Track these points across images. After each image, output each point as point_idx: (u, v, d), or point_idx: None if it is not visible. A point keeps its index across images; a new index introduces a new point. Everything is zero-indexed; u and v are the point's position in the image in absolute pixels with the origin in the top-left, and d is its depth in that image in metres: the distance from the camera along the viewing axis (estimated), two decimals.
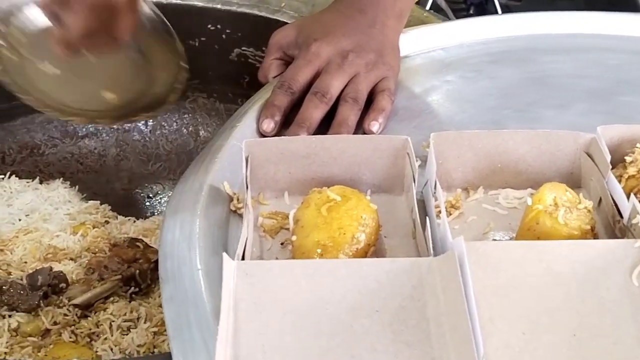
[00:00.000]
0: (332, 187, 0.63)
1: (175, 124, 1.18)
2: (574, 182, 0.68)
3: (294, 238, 0.60)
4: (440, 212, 0.62)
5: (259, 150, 0.67)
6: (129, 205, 1.11)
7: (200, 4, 1.09)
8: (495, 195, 0.68)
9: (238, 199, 0.68)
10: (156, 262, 0.81)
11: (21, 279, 0.83)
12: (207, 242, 0.63)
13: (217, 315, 0.53)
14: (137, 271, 0.86)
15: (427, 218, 0.63)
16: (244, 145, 0.66)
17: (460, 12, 2.53)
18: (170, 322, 0.56)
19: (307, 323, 0.52)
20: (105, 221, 0.99)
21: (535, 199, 0.61)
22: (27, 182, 1.05)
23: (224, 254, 0.52)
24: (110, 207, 1.04)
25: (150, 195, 1.15)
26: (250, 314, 0.52)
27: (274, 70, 0.85)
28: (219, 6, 1.09)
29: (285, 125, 0.77)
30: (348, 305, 0.52)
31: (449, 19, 1.35)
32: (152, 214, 1.11)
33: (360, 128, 0.77)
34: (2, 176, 1.05)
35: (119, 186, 1.15)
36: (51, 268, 0.85)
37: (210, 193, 0.67)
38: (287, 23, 1.02)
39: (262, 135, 0.76)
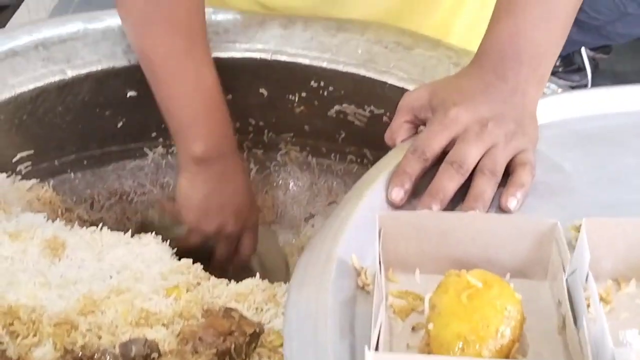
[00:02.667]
0: (471, 270, 0.58)
1: (265, 175, 1.17)
2: None
3: (430, 326, 0.55)
4: (589, 304, 0.56)
5: (392, 225, 0.63)
6: None
7: (306, 61, 1.07)
8: None
9: (366, 274, 0.63)
10: (252, 335, 0.80)
11: (113, 347, 0.79)
12: (334, 320, 0.59)
13: None
14: (233, 345, 0.81)
15: (575, 313, 0.57)
16: (377, 219, 0.62)
17: None
18: None
19: None
20: (197, 282, 0.93)
21: None
22: (120, 235, 1.00)
23: (366, 349, 0.48)
24: (202, 267, 0.99)
25: None
26: None
27: (404, 133, 0.81)
28: (324, 64, 1.06)
29: (413, 194, 0.72)
30: None
31: None
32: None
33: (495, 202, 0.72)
34: (94, 228, 1.01)
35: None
36: (146, 339, 0.81)
37: (337, 266, 0.63)
38: (393, 85, 1.02)
39: (391, 203, 0.71)
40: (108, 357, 0.79)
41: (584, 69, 2.85)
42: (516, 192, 0.72)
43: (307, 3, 1.12)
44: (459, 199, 0.72)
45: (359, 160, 1.15)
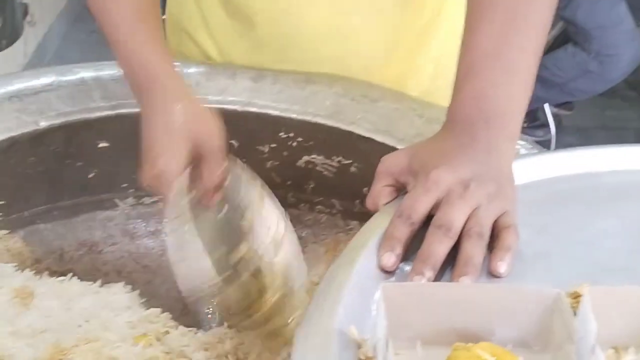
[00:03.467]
0: (479, 343, 0.59)
1: None
2: None
3: None
4: None
5: (394, 296, 0.63)
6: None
7: (276, 112, 1.09)
8: None
9: (367, 346, 0.63)
10: None
11: None
12: None
13: None
14: None
15: None
16: (381, 290, 0.61)
17: None
18: None
19: None
20: (166, 331, 0.94)
21: None
22: (89, 284, 1.00)
23: None
24: (171, 316, 0.98)
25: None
26: None
27: (385, 197, 0.81)
28: (293, 116, 1.08)
29: (403, 258, 0.72)
30: None
31: None
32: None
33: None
34: (63, 277, 1.00)
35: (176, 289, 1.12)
36: None
37: (337, 339, 0.63)
38: (361, 135, 1.05)
39: (383, 269, 0.71)
40: None
41: (548, 124, 2.93)
42: (505, 256, 0.73)
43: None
44: (446, 264, 0.72)
45: (327, 210, 1.16)
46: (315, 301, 0.68)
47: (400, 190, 0.81)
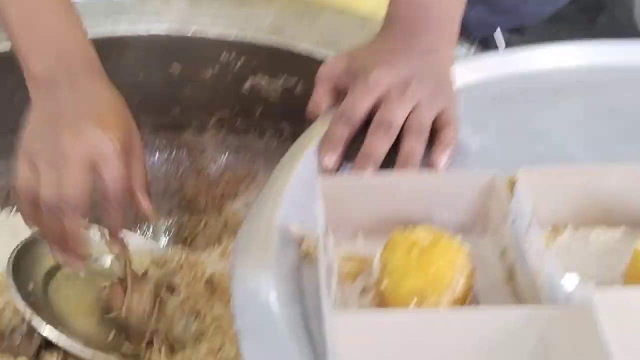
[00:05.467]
0: (417, 227, 0.58)
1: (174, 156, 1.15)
2: None
3: (384, 284, 0.55)
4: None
5: (332, 189, 0.62)
6: None
7: (215, 35, 1.06)
8: (586, 233, 0.63)
9: (309, 241, 0.62)
10: None
11: None
12: (283, 289, 0.58)
13: None
14: None
15: (521, 260, 0.58)
16: (319, 183, 0.61)
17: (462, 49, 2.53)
18: None
19: None
20: None
21: None
22: None
23: (323, 303, 0.47)
24: None
25: None
26: None
27: (326, 102, 0.80)
28: (234, 37, 1.06)
29: (345, 158, 0.73)
30: None
31: None
32: None
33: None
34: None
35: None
36: None
37: (279, 236, 0.62)
38: (305, 50, 1.03)
39: (325, 169, 0.71)
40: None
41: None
42: (445, 150, 0.73)
43: None
44: (388, 162, 0.72)
45: (277, 135, 1.14)
46: (258, 201, 0.67)
47: (341, 94, 0.80)
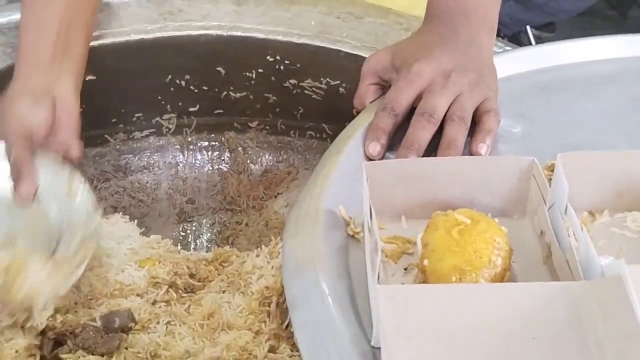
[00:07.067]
0: (457, 210, 0.61)
1: (216, 155, 1.17)
2: None
3: (425, 262, 0.58)
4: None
5: (377, 174, 0.65)
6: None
7: (261, 35, 1.08)
8: (622, 218, 0.66)
9: (355, 223, 0.66)
10: None
11: (94, 320, 0.81)
12: (330, 266, 0.61)
13: (352, 340, 0.53)
14: None
15: (559, 241, 0.60)
16: (364, 168, 0.64)
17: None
18: (305, 348, 0.54)
19: (459, 350, 0.49)
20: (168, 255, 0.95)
21: None
22: None
23: (370, 279, 0.50)
24: (171, 241, 1.00)
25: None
26: (400, 340, 0.49)
27: (371, 95, 0.83)
28: (279, 37, 1.08)
29: (389, 148, 0.75)
30: (501, 332, 0.50)
31: None
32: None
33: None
34: None
35: (172, 220, 1.14)
36: (130, 311, 0.83)
37: (326, 218, 0.65)
38: (348, 53, 1.04)
39: (369, 158, 0.74)
40: (89, 331, 0.80)
41: None
42: (485, 138, 0.75)
43: None
44: (431, 150, 0.75)
45: (317, 135, 1.16)
46: (306, 188, 0.70)
47: (385, 88, 0.83)
